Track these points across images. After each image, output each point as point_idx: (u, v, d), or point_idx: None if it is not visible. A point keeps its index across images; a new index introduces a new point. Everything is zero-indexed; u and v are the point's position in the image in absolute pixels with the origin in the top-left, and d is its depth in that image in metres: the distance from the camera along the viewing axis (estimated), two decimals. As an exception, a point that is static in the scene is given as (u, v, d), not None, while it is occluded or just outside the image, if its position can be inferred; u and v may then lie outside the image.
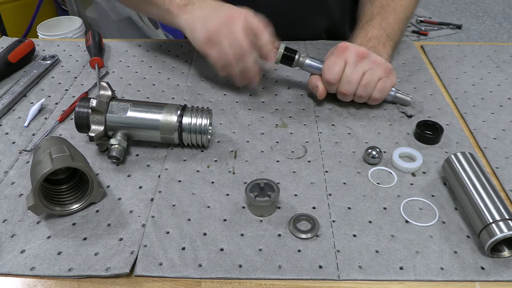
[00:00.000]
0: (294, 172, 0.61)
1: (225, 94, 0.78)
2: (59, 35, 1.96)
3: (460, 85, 0.80)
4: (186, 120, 0.62)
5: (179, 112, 0.62)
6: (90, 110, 0.61)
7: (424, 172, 0.62)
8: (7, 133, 0.68)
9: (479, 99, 0.76)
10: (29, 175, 0.57)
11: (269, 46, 0.70)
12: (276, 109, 0.74)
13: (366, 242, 0.52)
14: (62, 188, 0.56)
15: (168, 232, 0.53)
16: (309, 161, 0.63)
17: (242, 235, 0.52)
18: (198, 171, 0.62)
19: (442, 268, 0.49)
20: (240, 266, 0.49)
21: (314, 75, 0.73)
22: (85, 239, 0.52)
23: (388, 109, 0.74)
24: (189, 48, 0.91)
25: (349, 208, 0.56)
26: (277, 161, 0.63)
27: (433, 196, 0.58)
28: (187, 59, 0.88)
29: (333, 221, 0.54)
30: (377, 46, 0.76)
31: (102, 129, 0.61)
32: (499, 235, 0.48)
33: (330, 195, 0.58)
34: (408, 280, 0.48)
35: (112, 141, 0.61)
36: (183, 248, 0.51)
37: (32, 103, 0.75)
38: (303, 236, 0.52)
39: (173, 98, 0.77)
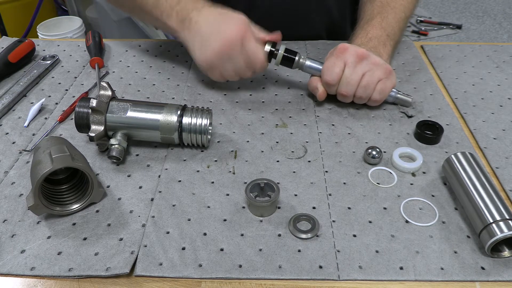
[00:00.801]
0: (294, 172, 0.61)
1: (225, 94, 0.78)
2: (59, 35, 1.96)
3: (460, 85, 0.80)
4: (186, 120, 0.62)
5: (179, 112, 0.62)
6: (90, 110, 0.61)
7: (424, 172, 0.62)
8: (7, 133, 0.68)
9: (479, 99, 0.76)
10: (29, 175, 0.57)
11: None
12: (276, 109, 0.74)
13: (366, 242, 0.52)
14: (62, 188, 0.56)
15: (168, 232, 0.53)
16: (309, 161, 0.63)
17: (242, 235, 0.52)
18: (198, 171, 0.62)
19: (442, 268, 0.49)
20: (240, 266, 0.49)
21: (314, 76, 0.73)
22: (85, 239, 0.52)
23: (388, 109, 0.74)
24: (189, 48, 0.91)
25: (349, 208, 0.56)
26: (277, 161, 0.63)
27: (433, 196, 0.58)
28: (187, 59, 0.88)
29: (333, 221, 0.54)
30: (377, 46, 0.76)
31: (102, 129, 0.61)
32: (499, 235, 0.48)
33: (330, 195, 0.58)
34: (408, 280, 0.48)
35: (112, 141, 0.61)
36: (183, 248, 0.51)
37: (32, 103, 0.75)
38: (303, 236, 0.52)
39: (173, 98, 0.77)
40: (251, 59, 0.70)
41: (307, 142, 0.67)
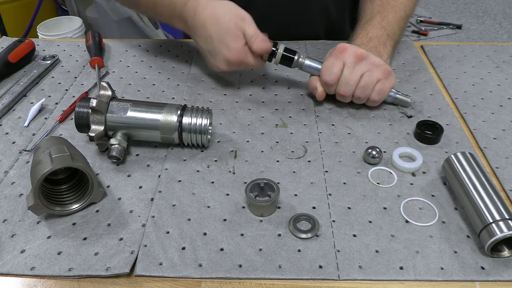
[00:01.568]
0: (294, 172, 0.61)
1: (225, 94, 0.78)
2: (59, 35, 1.96)
3: (460, 85, 0.80)
4: (186, 120, 0.62)
5: (179, 112, 0.62)
6: (90, 110, 0.61)
7: (424, 172, 0.62)
8: (7, 133, 0.68)
9: (479, 99, 0.76)
10: (29, 175, 0.57)
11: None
12: (276, 109, 0.74)
13: (366, 242, 0.52)
14: (62, 188, 0.56)
15: (168, 232, 0.53)
16: (309, 161, 0.63)
17: (242, 235, 0.52)
18: (198, 171, 0.62)
19: (442, 268, 0.49)
20: (240, 266, 0.49)
21: (313, 76, 0.73)
22: (85, 239, 0.52)
23: (388, 109, 0.74)
24: (189, 48, 0.91)
25: (349, 208, 0.56)
26: (277, 161, 0.63)
27: (433, 196, 0.58)
28: (187, 59, 0.88)
29: (333, 221, 0.54)
30: (377, 46, 0.76)
31: (102, 129, 0.61)
32: (499, 235, 0.48)
33: (330, 195, 0.58)
34: (408, 280, 0.48)
35: (112, 141, 0.61)
36: (183, 248, 0.51)
37: (32, 103, 0.75)
38: (303, 236, 0.52)
39: (173, 98, 0.77)
40: (253, 67, 0.75)
41: (307, 142, 0.67)
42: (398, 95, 0.73)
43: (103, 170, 0.62)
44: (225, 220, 0.54)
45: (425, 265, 0.49)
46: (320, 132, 0.69)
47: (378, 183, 0.60)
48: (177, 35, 2.08)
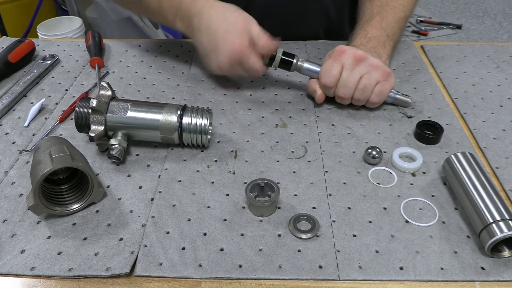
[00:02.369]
0: (294, 172, 0.61)
1: (225, 94, 0.78)
2: (59, 35, 1.96)
3: (460, 85, 0.80)
4: (186, 120, 0.62)
5: (179, 112, 0.62)
6: (90, 110, 0.61)
7: (424, 172, 0.62)
8: (7, 133, 0.68)
9: (479, 99, 0.76)
10: (29, 175, 0.57)
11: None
12: (276, 109, 0.74)
13: (366, 242, 0.52)
14: (62, 188, 0.56)
15: (168, 232, 0.53)
16: (309, 161, 0.63)
17: (242, 235, 0.52)
18: (198, 171, 0.62)
19: (442, 268, 0.49)
20: (240, 266, 0.49)
21: (313, 79, 0.74)
22: (85, 239, 0.52)
23: (388, 109, 0.74)
24: (189, 48, 0.91)
25: (349, 208, 0.56)
26: (277, 161, 0.63)
27: (433, 196, 0.58)
28: (187, 59, 0.88)
29: (333, 221, 0.54)
30: (377, 47, 0.76)
31: (102, 129, 0.61)
32: (499, 235, 0.48)
33: (330, 195, 0.58)
34: (408, 280, 0.48)
35: (112, 141, 0.61)
36: (183, 248, 0.51)
37: (32, 103, 0.75)
38: (303, 236, 0.52)
39: (173, 98, 0.77)
40: (251, 72, 0.73)
41: (307, 142, 0.67)
42: (398, 96, 0.73)
43: (103, 170, 0.62)
44: (225, 220, 0.54)
45: (425, 265, 0.49)
46: (320, 132, 0.69)
47: (378, 183, 0.60)
48: (177, 35, 2.08)
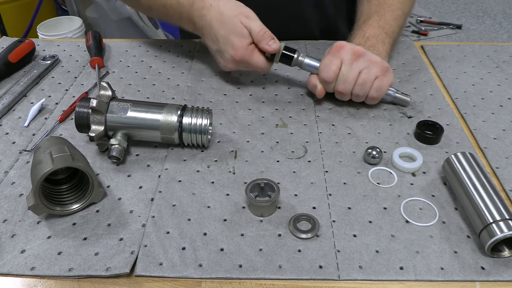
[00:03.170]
0: (294, 172, 0.61)
1: (225, 94, 0.78)
2: (59, 35, 1.96)
3: (460, 85, 0.80)
4: (186, 120, 0.62)
5: (179, 112, 0.62)
6: (90, 110, 0.61)
7: (424, 172, 0.62)
8: (7, 133, 0.68)
9: (479, 99, 0.76)
10: (29, 175, 0.57)
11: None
12: (276, 109, 0.74)
13: (366, 242, 0.52)
14: (63, 188, 0.56)
15: (168, 232, 0.53)
16: (309, 161, 0.63)
17: (242, 235, 0.52)
18: (198, 171, 0.62)
19: (442, 268, 0.49)
20: (240, 266, 0.49)
21: (313, 74, 0.74)
22: (85, 239, 0.52)
23: (388, 109, 0.74)
24: (189, 48, 0.91)
25: (349, 208, 0.56)
26: (277, 161, 0.63)
27: (433, 196, 0.58)
28: (187, 59, 0.88)
29: (333, 221, 0.54)
30: (375, 45, 0.76)
31: (102, 129, 0.61)
32: (499, 235, 0.48)
33: (330, 195, 0.58)
34: (408, 280, 0.48)
35: (112, 141, 0.61)
36: (183, 248, 0.51)
37: (32, 103, 0.75)
38: (303, 236, 0.52)
39: (173, 98, 0.77)
40: (256, 69, 0.75)
41: (307, 142, 0.67)
42: (397, 94, 0.73)
43: (103, 170, 0.62)
44: (225, 220, 0.54)
45: (425, 265, 0.49)
46: (320, 132, 0.69)
47: (378, 183, 0.60)
48: (177, 35, 2.08)
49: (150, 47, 0.92)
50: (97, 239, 0.52)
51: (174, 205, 0.56)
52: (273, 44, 0.71)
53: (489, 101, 0.76)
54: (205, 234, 0.53)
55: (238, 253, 0.50)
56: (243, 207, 0.56)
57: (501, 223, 0.48)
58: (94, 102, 0.60)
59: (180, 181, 0.60)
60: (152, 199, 0.57)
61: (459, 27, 2.89)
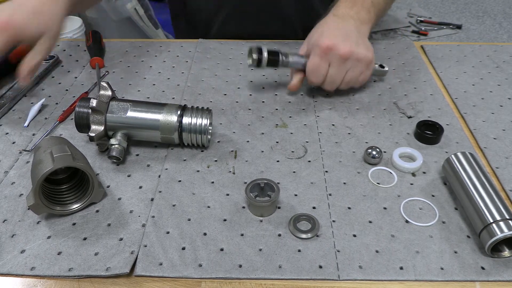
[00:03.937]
0: (294, 172, 0.61)
1: (225, 94, 0.78)
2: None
3: (460, 85, 0.80)
4: (186, 120, 0.62)
5: (179, 112, 0.62)
6: (90, 110, 0.61)
7: (424, 172, 0.62)
8: (7, 133, 0.68)
9: (479, 99, 0.76)
10: (29, 175, 0.57)
11: None
12: (276, 109, 0.74)
13: (366, 242, 0.52)
14: (63, 188, 0.56)
15: (168, 232, 0.53)
16: (309, 161, 0.63)
17: (242, 235, 0.52)
18: (198, 171, 0.62)
19: (442, 268, 0.49)
20: (240, 266, 0.49)
21: (294, 69, 0.75)
22: (85, 239, 0.52)
23: (388, 109, 0.74)
24: (189, 48, 0.91)
25: (349, 208, 0.56)
26: (277, 161, 0.63)
27: (433, 196, 0.58)
28: (187, 59, 0.88)
29: (333, 221, 0.54)
30: (360, 12, 0.75)
31: (102, 129, 0.61)
32: (499, 235, 0.48)
33: (330, 195, 0.58)
34: (408, 280, 0.48)
35: (112, 141, 0.61)
36: (183, 248, 0.51)
37: (32, 103, 0.75)
38: (303, 236, 0.52)
39: (173, 98, 0.77)
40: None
41: (307, 142, 0.67)
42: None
43: (103, 170, 0.62)
44: (225, 220, 0.54)
45: (425, 265, 0.49)
46: (320, 132, 0.69)
47: (378, 183, 0.60)
48: (177, 35, 2.08)
49: (150, 47, 0.92)
50: (97, 239, 0.52)
51: (174, 205, 0.56)
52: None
53: (489, 101, 0.76)
54: (205, 234, 0.53)
55: (238, 253, 0.50)
56: (243, 207, 0.56)
57: (501, 223, 0.48)
58: (94, 102, 0.60)
59: (180, 181, 0.60)
60: (152, 199, 0.57)
61: (459, 27, 2.89)
